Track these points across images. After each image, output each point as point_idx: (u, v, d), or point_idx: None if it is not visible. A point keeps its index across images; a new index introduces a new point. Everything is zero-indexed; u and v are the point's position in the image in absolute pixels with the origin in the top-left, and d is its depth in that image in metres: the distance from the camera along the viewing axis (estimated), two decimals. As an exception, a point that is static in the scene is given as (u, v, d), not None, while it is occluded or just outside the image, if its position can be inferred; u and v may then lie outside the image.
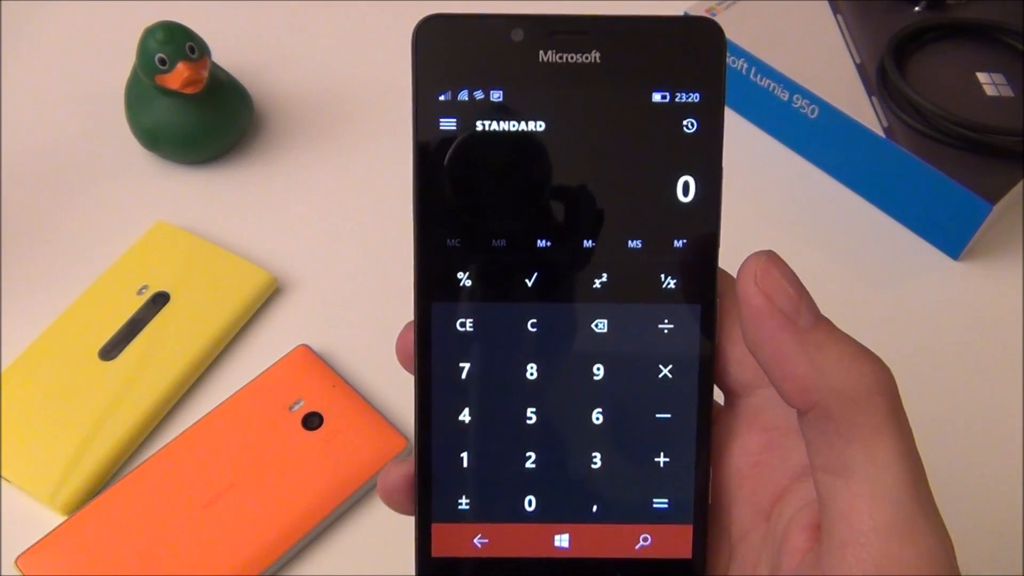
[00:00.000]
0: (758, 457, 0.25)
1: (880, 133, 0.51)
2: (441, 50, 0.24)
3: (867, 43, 0.56)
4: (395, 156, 0.56)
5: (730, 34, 0.55)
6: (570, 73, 0.24)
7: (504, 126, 0.24)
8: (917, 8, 0.57)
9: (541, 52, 0.24)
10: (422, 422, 0.26)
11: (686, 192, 0.25)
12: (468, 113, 0.24)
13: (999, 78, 0.54)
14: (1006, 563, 0.42)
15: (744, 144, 0.57)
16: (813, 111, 0.54)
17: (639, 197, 0.25)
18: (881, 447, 0.21)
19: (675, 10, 0.58)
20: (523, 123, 0.24)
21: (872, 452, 0.21)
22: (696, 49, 0.24)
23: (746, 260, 0.23)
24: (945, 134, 0.51)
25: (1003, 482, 0.44)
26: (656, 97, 0.24)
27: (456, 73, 0.24)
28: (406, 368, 0.26)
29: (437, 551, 0.26)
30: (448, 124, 0.24)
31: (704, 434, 0.25)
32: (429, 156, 0.24)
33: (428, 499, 0.26)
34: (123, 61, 0.55)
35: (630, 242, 0.25)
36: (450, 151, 0.24)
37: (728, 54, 0.56)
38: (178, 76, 0.50)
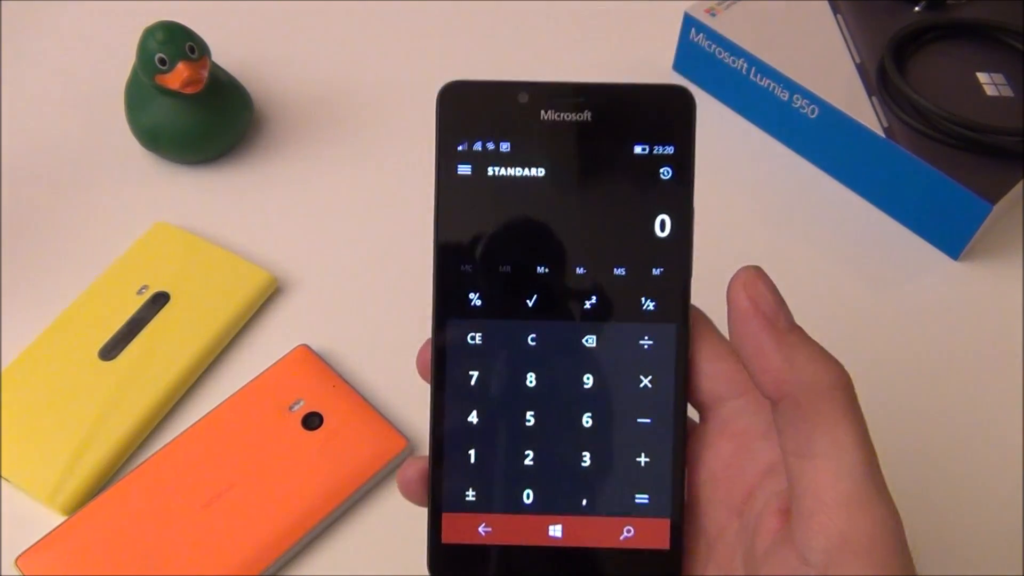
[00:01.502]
0: (730, 460, 0.28)
1: (880, 133, 0.51)
2: (460, 108, 0.29)
3: (867, 43, 0.56)
4: (395, 156, 0.56)
5: (730, 34, 0.56)
6: (566, 129, 0.28)
7: (511, 172, 0.28)
8: (917, 8, 0.57)
9: (542, 111, 0.28)
10: (436, 422, 0.29)
11: (663, 228, 0.29)
12: (481, 160, 0.28)
13: (999, 78, 0.54)
14: (1006, 563, 0.42)
15: (744, 144, 0.57)
16: (813, 111, 0.54)
17: (623, 232, 0.29)
18: (841, 432, 0.24)
19: (676, 11, 0.58)
20: (527, 169, 0.28)
21: (834, 436, 0.24)
22: (671, 111, 0.28)
23: (737, 272, 0.26)
24: (945, 134, 0.51)
25: (1003, 482, 0.44)
26: (637, 149, 0.28)
27: (472, 127, 0.28)
28: (424, 378, 0.30)
29: (447, 538, 0.29)
30: (464, 169, 0.29)
31: (680, 437, 0.28)
32: (448, 194, 0.29)
33: (440, 491, 0.29)
34: (123, 61, 0.55)
35: (615, 269, 0.29)
36: (467, 194, 0.29)
37: (728, 54, 0.56)
38: (178, 76, 0.50)
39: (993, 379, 0.47)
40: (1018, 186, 0.50)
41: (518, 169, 0.28)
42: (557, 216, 0.29)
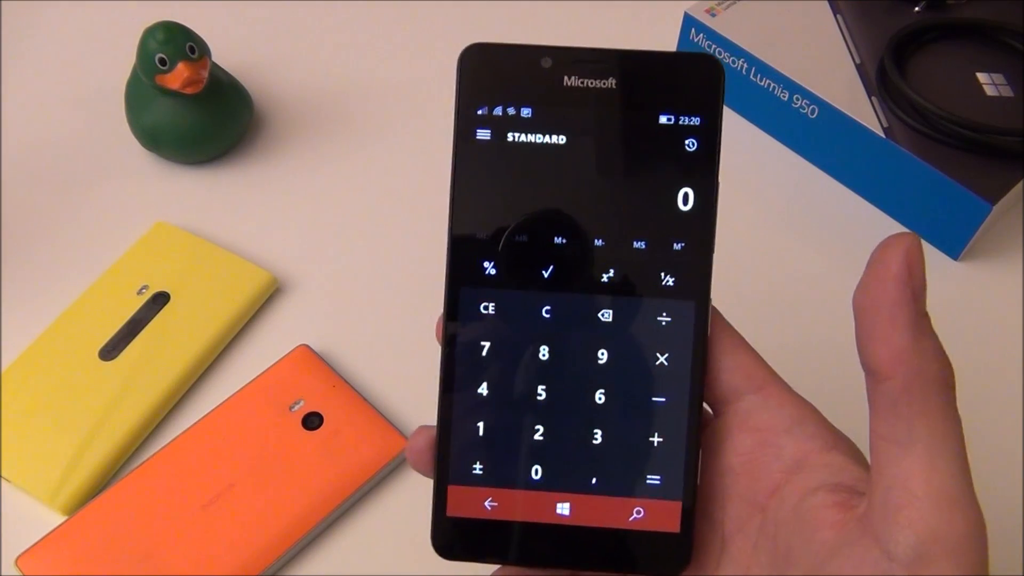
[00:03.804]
0: (750, 455, 0.27)
1: (880, 133, 0.51)
2: (481, 72, 0.28)
3: (867, 43, 0.56)
4: (395, 156, 0.56)
5: (730, 34, 0.56)
6: (590, 96, 0.28)
7: (531, 138, 0.28)
8: (917, 8, 0.57)
9: (566, 77, 0.28)
10: (444, 392, 0.28)
11: (685, 202, 0.28)
12: (501, 125, 0.28)
13: (999, 78, 0.54)
14: (1006, 563, 0.42)
15: (744, 144, 0.57)
16: (813, 111, 0.54)
17: (644, 204, 0.28)
18: (942, 427, 0.23)
19: (677, 10, 0.58)
20: (548, 137, 0.28)
21: (934, 429, 0.23)
22: (698, 80, 0.27)
23: (899, 234, 0.24)
24: (945, 134, 0.51)
25: (1003, 482, 0.44)
26: (662, 119, 0.28)
27: (492, 92, 0.28)
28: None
29: (451, 511, 0.28)
30: (483, 134, 0.28)
31: (695, 419, 0.28)
32: (465, 160, 0.28)
33: (446, 462, 0.28)
34: (123, 61, 0.55)
35: (635, 243, 0.28)
36: (485, 160, 0.28)
37: (728, 54, 0.56)
38: (178, 76, 0.50)
39: (993, 379, 0.47)
40: (1018, 186, 0.50)
41: (539, 136, 0.28)
42: (577, 186, 0.28)
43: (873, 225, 0.53)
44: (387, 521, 0.42)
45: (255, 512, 0.41)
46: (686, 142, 0.28)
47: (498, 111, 0.28)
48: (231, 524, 0.40)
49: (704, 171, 0.28)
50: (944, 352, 0.24)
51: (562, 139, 0.28)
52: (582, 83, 0.28)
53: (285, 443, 0.43)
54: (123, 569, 0.39)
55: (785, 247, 0.52)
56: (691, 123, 0.27)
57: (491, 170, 0.28)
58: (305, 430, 0.43)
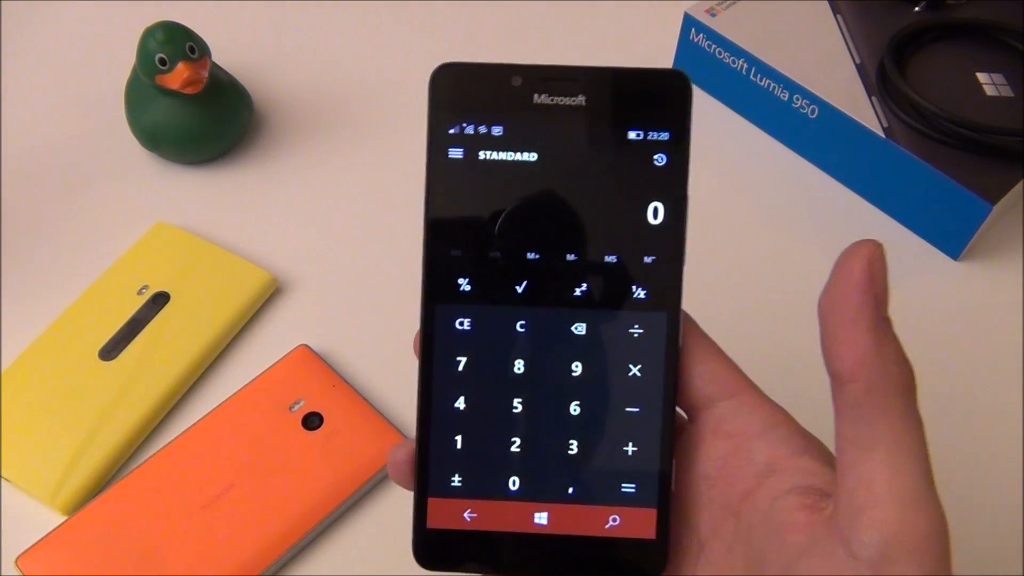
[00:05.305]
0: (724, 461, 0.28)
1: (880, 133, 0.51)
2: (452, 91, 0.28)
3: (867, 43, 0.56)
4: (395, 156, 0.56)
5: (730, 34, 0.56)
6: (560, 113, 0.28)
7: (503, 156, 0.28)
8: (917, 8, 0.57)
9: (536, 95, 0.28)
10: (422, 407, 0.29)
11: (656, 216, 0.28)
12: (472, 143, 0.28)
13: (999, 78, 0.54)
14: (1006, 563, 0.42)
15: (744, 144, 0.57)
16: (813, 111, 0.54)
17: (615, 219, 0.28)
18: (904, 429, 0.24)
19: (676, 11, 0.58)
20: (519, 154, 0.28)
21: (897, 431, 0.24)
22: (666, 95, 0.28)
23: (862, 241, 0.25)
24: (945, 134, 0.51)
25: (1003, 482, 0.44)
26: (631, 135, 0.28)
27: (464, 110, 0.28)
28: None
29: (432, 522, 0.29)
30: (455, 152, 0.28)
31: (668, 427, 0.28)
32: (438, 178, 0.28)
33: (426, 476, 0.29)
34: (123, 61, 0.55)
35: (607, 257, 0.28)
36: (458, 178, 0.28)
37: (728, 54, 0.56)
38: (178, 76, 0.50)
39: (993, 379, 0.47)
40: (1018, 186, 0.50)
41: (510, 153, 0.28)
42: (548, 202, 0.28)
43: (873, 225, 0.53)
44: (387, 521, 0.42)
45: (255, 512, 0.41)
46: (655, 157, 0.28)
47: (469, 129, 0.28)
48: (231, 524, 0.40)
49: (674, 185, 0.28)
50: (905, 356, 0.24)
51: (533, 156, 0.28)
52: (552, 100, 0.28)
53: (285, 443, 0.43)
54: (123, 569, 0.39)
55: (785, 247, 0.52)
56: (660, 138, 0.28)
57: (464, 187, 0.28)
58: (305, 430, 0.43)
